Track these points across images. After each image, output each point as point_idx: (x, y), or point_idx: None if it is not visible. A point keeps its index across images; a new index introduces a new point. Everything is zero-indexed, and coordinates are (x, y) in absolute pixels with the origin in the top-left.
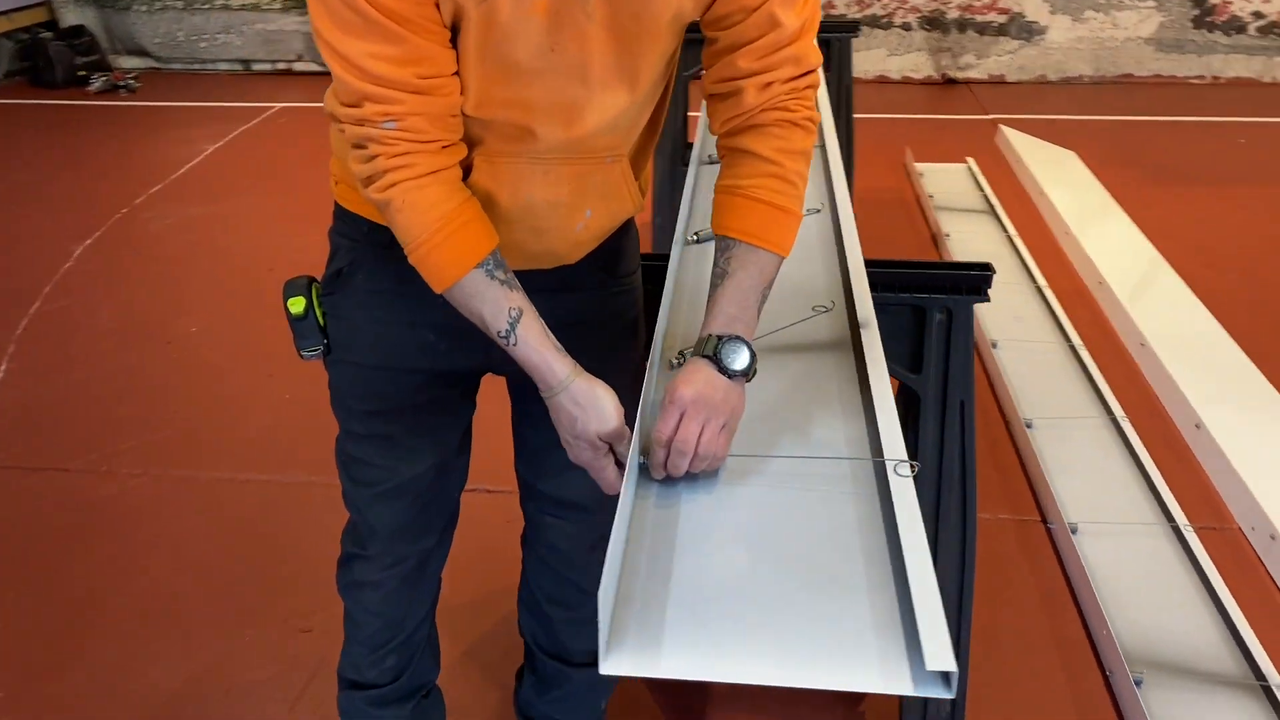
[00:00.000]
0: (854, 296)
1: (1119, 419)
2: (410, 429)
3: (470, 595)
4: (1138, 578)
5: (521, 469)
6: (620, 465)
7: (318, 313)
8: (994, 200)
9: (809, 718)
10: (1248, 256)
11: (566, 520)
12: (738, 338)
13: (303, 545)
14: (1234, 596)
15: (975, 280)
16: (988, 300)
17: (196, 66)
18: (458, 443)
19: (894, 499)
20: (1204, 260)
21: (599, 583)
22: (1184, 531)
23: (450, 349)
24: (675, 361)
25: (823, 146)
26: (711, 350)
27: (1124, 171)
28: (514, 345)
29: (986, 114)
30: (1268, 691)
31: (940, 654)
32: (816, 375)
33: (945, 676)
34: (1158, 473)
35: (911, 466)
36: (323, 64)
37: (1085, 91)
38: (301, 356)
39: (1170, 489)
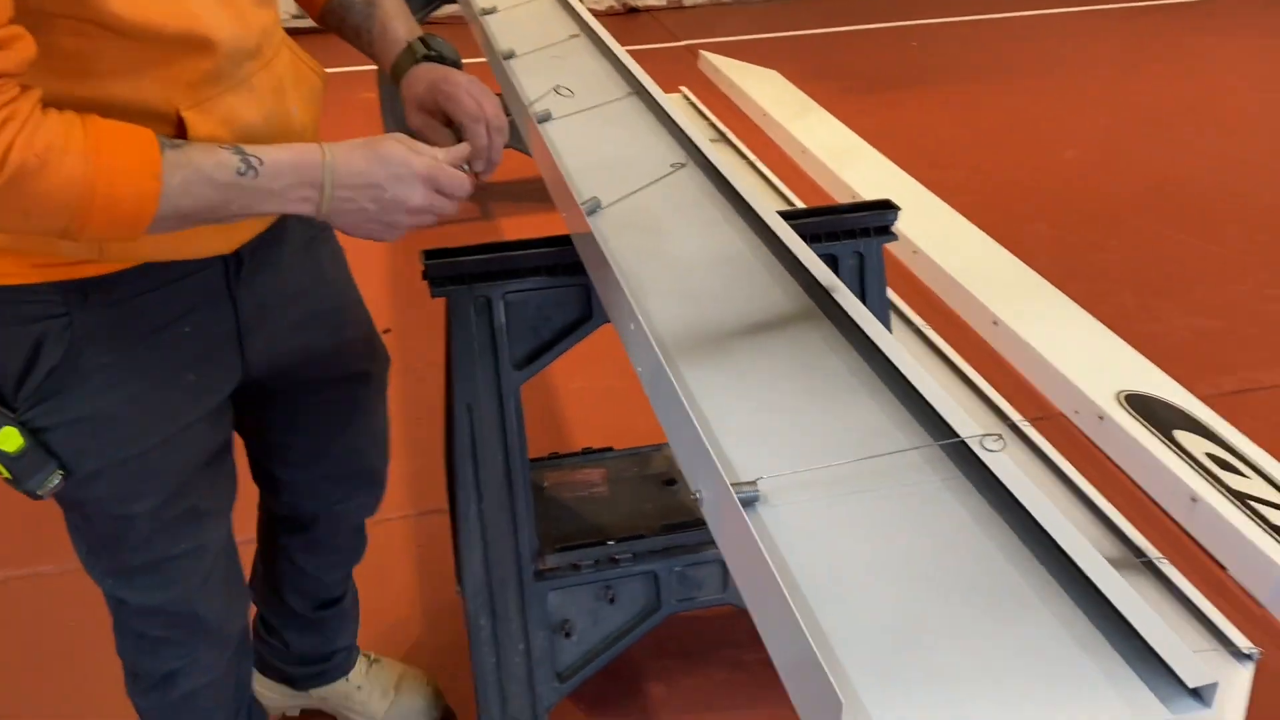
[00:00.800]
0: (800, 260)
1: (920, 327)
2: (208, 488)
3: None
4: None
5: (295, 476)
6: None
7: (32, 436)
8: (722, 127)
9: (750, 709)
10: (965, 152)
11: (366, 494)
12: (427, 33)
13: None
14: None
15: (883, 220)
16: (895, 238)
17: None
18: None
19: (1004, 480)
20: (929, 161)
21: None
22: (1021, 427)
23: (210, 378)
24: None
25: (640, 94)
26: (423, 52)
27: (824, 85)
28: (262, 165)
29: (678, 40)
30: (1150, 566)
31: (1196, 669)
32: (807, 354)
33: (1198, 690)
34: (976, 374)
35: (999, 439)
36: None
37: (756, 12)
38: (36, 497)
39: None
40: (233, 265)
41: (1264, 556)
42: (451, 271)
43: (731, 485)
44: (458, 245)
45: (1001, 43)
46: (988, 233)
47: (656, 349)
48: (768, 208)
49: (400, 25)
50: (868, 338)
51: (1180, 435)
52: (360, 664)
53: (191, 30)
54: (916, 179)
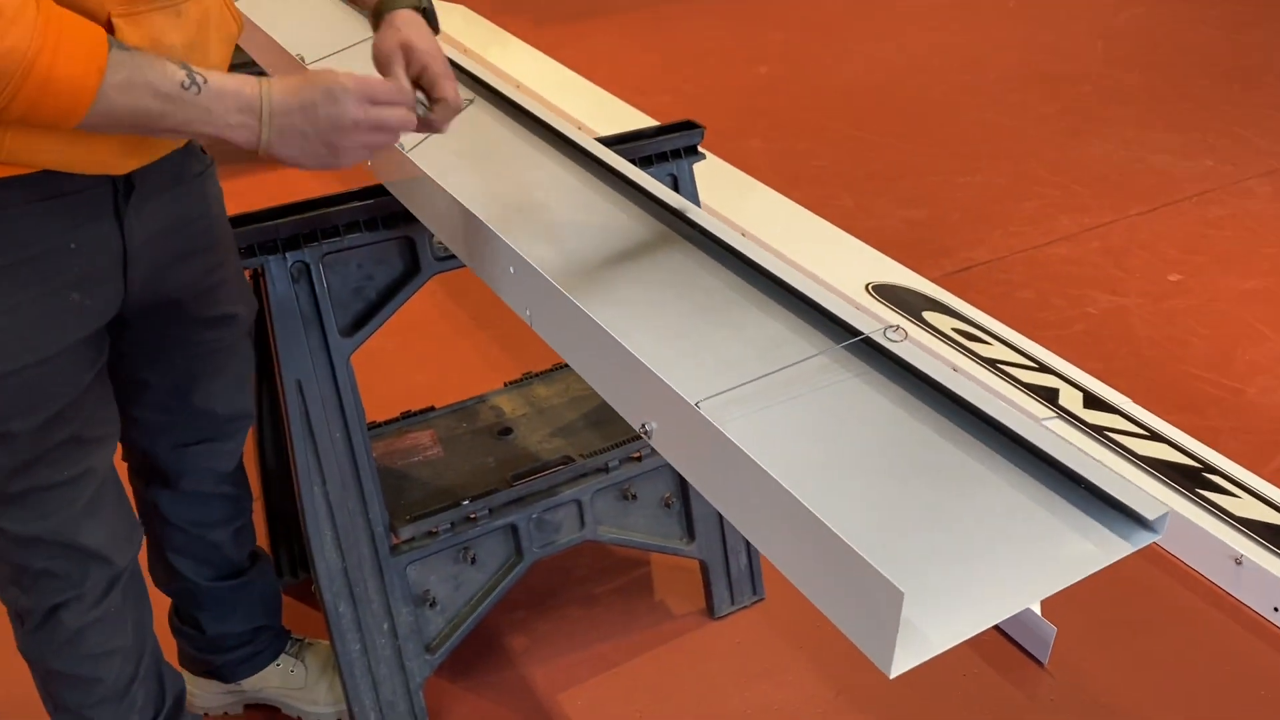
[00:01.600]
0: (642, 186)
1: None
2: (91, 416)
3: None
4: None
5: (153, 416)
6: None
7: None
8: None
9: (621, 634)
10: (665, 76)
11: (227, 439)
12: None
13: None
14: None
15: (690, 141)
16: (704, 157)
17: None
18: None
19: (921, 367)
20: (634, 87)
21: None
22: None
23: (93, 300)
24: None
25: None
26: (416, 1)
27: (514, 18)
28: (205, 84)
29: None
30: None
31: (1150, 504)
32: (681, 276)
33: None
34: None
35: (899, 330)
36: None
37: None
38: None
39: None
40: (122, 188)
41: (1026, 412)
42: (262, 238)
43: (696, 405)
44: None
45: None
46: (709, 151)
47: (563, 290)
48: (587, 138)
49: None
50: (735, 253)
51: (929, 316)
52: (290, 648)
53: None
54: (629, 105)
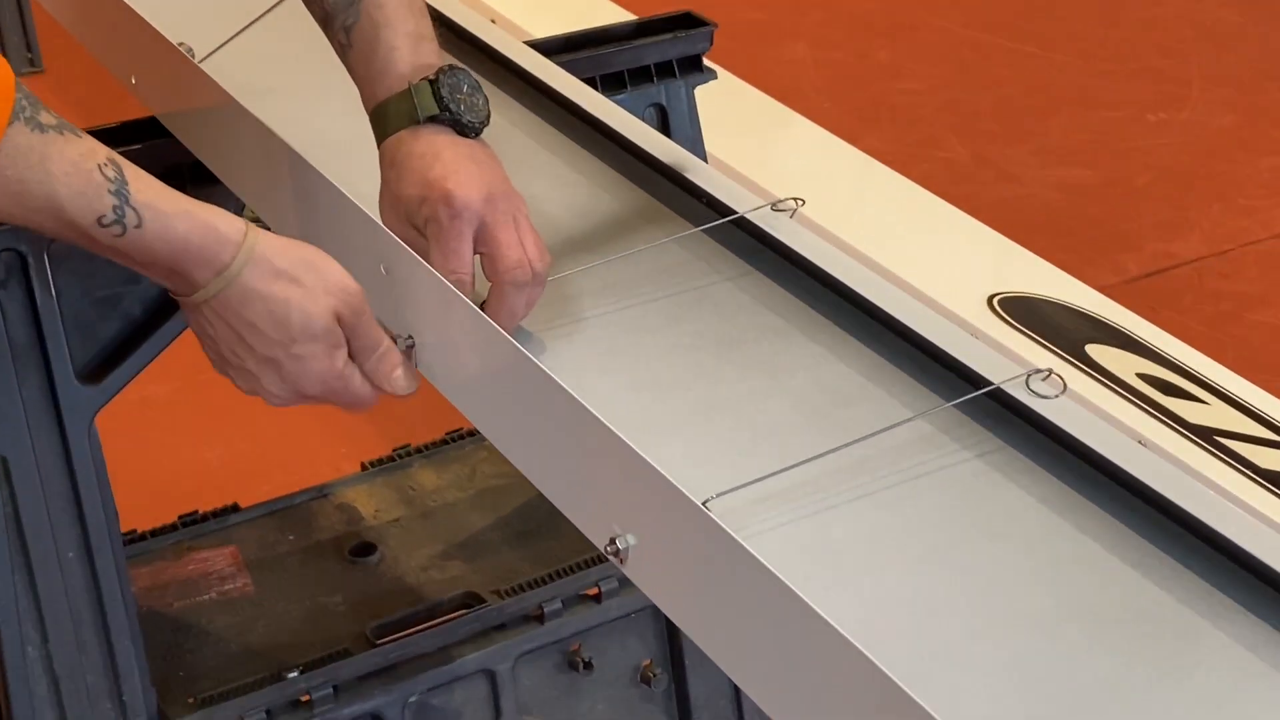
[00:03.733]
0: (599, 119)
1: None
2: None
3: None
4: None
5: None
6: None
7: None
8: None
9: None
10: None
11: None
12: (453, 67)
13: None
14: None
15: (691, 48)
16: (713, 77)
17: None
18: None
19: (1084, 440)
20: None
21: None
22: None
23: None
24: None
25: None
26: (430, 110)
27: None
28: (138, 227)
29: None
30: None
31: None
32: (681, 280)
33: None
34: None
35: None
36: None
37: None
38: None
39: None
40: None
41: (1271, 523)
42: None
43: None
44: None
45: None
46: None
47: (471, 303)
48: (511, 40)
49: (403, 42)
50: (771, 243)
51: (1095, 351)
52: None
53: None
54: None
